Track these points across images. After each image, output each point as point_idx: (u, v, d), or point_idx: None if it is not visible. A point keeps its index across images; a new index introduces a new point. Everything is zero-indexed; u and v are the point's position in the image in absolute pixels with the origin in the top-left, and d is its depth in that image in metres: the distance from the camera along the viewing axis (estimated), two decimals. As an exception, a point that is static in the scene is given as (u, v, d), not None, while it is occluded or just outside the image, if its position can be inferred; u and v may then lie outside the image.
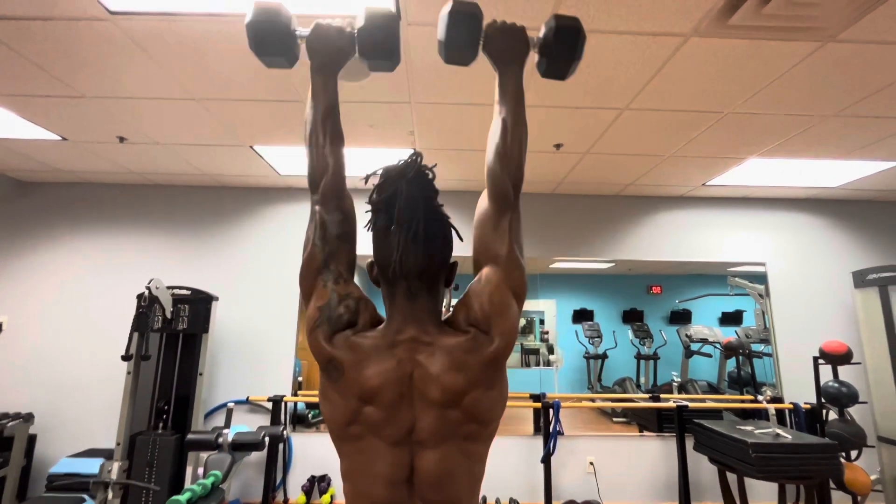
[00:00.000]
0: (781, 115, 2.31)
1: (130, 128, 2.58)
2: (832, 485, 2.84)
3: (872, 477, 2.85)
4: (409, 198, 0.76)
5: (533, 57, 0.93)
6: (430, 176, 0.80)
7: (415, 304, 0.79)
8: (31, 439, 3.09)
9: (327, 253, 0.80)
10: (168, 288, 2.98)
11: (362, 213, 0.81)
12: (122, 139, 2.72)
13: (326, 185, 0.83)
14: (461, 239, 0.84)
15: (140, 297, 2.78)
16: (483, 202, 0.87)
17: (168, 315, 2.97)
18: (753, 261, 3.72)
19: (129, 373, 2.79)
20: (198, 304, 3.08)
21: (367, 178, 0.81)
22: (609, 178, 3.35)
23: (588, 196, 3.78)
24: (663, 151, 2.82)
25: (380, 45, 0.87)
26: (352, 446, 0.74)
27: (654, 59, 1.85)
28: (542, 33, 0.91)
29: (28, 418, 3.05)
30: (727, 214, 3.76)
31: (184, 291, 3.09)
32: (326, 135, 0.85)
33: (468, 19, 0.86)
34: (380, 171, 0.80)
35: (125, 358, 2.62)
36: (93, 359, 3.33)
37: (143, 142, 2.78)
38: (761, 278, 3.74)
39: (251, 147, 2.85)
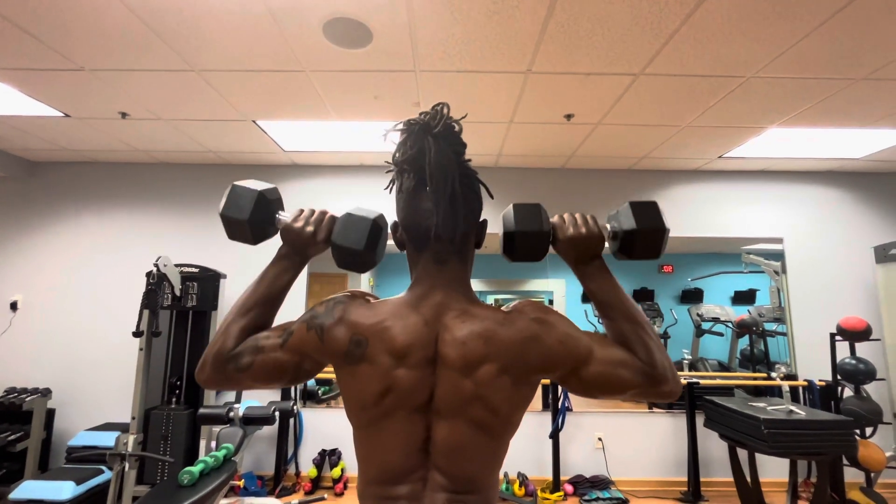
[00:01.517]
0: (807, 79, 2.19)
1: (131, 102, 2.54)
2: (845, 461, 2.81)
3: (887, 454, 2.81)
4: (437, 154, 0.69)
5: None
6: (458, 128, 0.73)
7: (444, 269, 0.75)
8: (50, 413, 3.18)
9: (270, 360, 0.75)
10: (176, 266, 2.99)
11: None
12: (123, 115, 2.69)
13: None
14: (491, 196, 0.79)
15: (149, 274, 2.79)
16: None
17: (177, 292, 2.99)
18: (770, 236, 3.61)
19: (141, 349, 2.83)
20: (206, 282, 3.09)
21: (385, 135, 0.76)
22: (621, 150, 3.25)
23: (600, 171, 3.67)
24: (679, 121, 2.71)
25: (352, 260, 0.77)
26: (375, 417, 0.70)
27: (673, 16, 1.75)
28: (616, 225, 0.79)
29: (46, 393, 3.13)
30: (744, 188, 3.64)
31: (192, 269, 3.10)
32: (256, 318, 0.80)
33: (535, 239, 0.77)
34: (401, 127, 0.73)
35: (136, 334, 2.65)
36: (106, 335, 3.38)
37: (145, 117, 2.74)
38: (777, 256, 3.64)
39: (254, 122, 2.80)
